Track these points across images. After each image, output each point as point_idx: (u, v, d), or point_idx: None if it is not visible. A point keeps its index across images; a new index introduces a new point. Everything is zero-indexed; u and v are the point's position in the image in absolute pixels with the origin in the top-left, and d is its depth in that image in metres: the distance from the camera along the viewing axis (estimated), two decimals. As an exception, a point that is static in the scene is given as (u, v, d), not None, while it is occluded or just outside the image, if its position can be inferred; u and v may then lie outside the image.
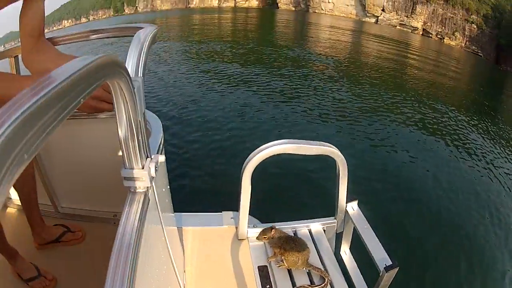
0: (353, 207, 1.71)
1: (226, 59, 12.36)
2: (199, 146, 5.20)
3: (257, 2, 63.30)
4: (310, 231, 1.80)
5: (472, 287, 3.08)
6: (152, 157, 0.90)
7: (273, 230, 1.64)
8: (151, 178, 0.88)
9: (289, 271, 1.54)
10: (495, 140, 7.33)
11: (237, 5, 63.11)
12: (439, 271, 3.15)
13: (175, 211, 1.60)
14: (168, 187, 1.36)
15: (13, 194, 1.75)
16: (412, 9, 67.03)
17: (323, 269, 1.55)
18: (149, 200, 0.87)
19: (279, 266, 1.55)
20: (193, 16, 43.74)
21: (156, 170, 0.89)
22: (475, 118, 8.81)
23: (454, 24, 74.85)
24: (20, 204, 1.62)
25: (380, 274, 1.32)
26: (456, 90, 13.88)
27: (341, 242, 1.81)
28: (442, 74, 16.75)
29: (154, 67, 10.48)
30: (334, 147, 1.53)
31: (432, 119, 7.66)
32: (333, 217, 1.79)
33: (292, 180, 4.42)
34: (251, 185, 1.58)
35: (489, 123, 8.70)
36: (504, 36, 66.40)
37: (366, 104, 7.94)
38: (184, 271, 1.57)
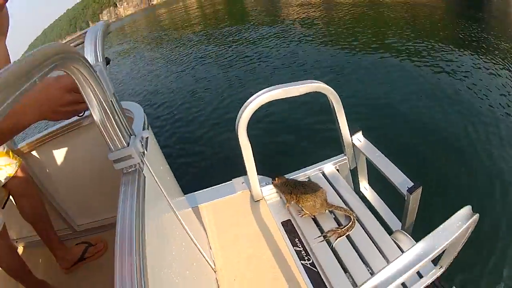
0: (359, 139, 1.66)
1: (202, 42, 12.21)
2: (190, 123, 5.33)
3: None
4: (323, 174, 1.74)
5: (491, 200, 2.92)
6: (136, 133, 0.88)
7: (276, 178, 1.61)
8: (141, 154, 0.86)
9: (314, 219, 1.49)
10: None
11: None
12: (459, 187, 3.01)
13: (186, 193, 1.56)
14: (168, 166, 1.31)
15: (30, 230, 1.73)
16: None
17: (346, 207, 1.49)
18: (144, 177, 0.84)
19: (301, 215, 1.50)
20: (159, 12, 43.12)
21: (142, 145, 0.88)
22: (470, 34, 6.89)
23: None
24: (38, 237, 1.63)
25: (406, 198, 1.27)
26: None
27: (358, 178, 1.77)
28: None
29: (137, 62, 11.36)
30: (322, 82, 1.46)
31: (419, 45, 6.85)
32: (342, 154, 1.73)
33: (291, 130, 4.36)
34: (251, 143, 1.52)
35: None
36: None
37: (346, 43, 7.53)
38: (210, 248, 1.55)
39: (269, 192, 1.69)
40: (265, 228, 1.60)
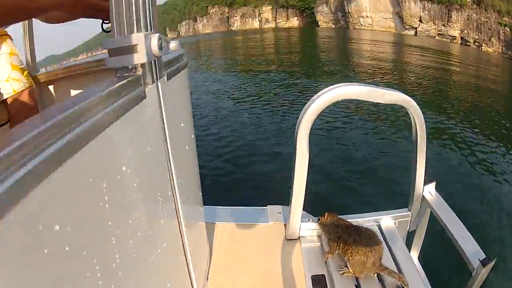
0: (431, 192, 1.42)
1: (271, 72, 13.27)
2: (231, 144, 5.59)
3: (297, 22, 65.23)
4: (380, 227, 1.49)
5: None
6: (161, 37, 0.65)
7: (326, 213, 1.35)
8: (154, 59, 0.65)
9: (357, 281, 1.20)
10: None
11: (278, 25, 65.30)
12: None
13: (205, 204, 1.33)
14: (195, 148, 1.11)
15: None
16: (448, 16, 67.44)
17: (400, 275, 1.19)
18: (144, 96, 0.63)
19: (342, 273, 1.20)
20: (235, 38, 45.90)
21: (161, 48, 0.64)
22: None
23: (489, 29, 74.21)
24: None
25: (475, 271, 1.09)
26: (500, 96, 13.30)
27: (413, 240, 1.53)
28: (484, 86, 15.75)
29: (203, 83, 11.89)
30: (409, 97, 1.25)
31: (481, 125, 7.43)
32: (406, 209, 1.51)
33: (351, 167, 4.19)
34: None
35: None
36: None
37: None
38: (207, 278, 1.26)
39: (309, 233, 1.44)
40: (288, 276, 1.27)
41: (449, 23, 69.18)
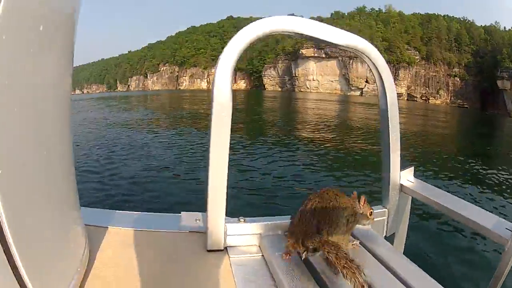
0: (409, 179, 1.39)
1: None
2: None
3: (244, 85, 66.83)
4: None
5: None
6: None
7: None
8: None
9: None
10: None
11: None
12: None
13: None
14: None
15: None
16: (395, 75, 69.75)
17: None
18: None
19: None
20: (182, 95, 47.25)
21: None
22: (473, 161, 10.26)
23: (438, 82, 77.64)
24: None
25: (509, 243, 1.01)
26: (449, 139, 15.82)
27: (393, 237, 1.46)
28: (433, 128, 19.47)
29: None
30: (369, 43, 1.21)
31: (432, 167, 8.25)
32: (380, 206, 1.43)
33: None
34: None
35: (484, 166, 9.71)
36: (487, 79, 68.86)
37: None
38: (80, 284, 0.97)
39: (241, 242, 1.23)
40: None
41: (395, 81, 71.34)
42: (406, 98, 70.31)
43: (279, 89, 65.34)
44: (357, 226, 1.28)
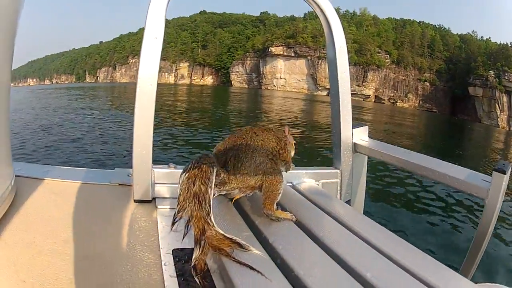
0: (362, 138, 1.35)
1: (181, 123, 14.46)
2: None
3: (211, 80, 66.61)
4: (296, 189, 1.30)
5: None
6: None
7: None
8: None
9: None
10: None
11: (192, 82, 65.89)
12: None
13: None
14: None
15: None
16: (363, 77, 70.79)
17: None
18: None
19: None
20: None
21: None
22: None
23: (407, 86, 79.25)
24: None
25: (489, 190, 1.06)
26: (418, 139, 15.90)
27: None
28: (400, 130, 18.97)
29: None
30: None
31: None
32: (332, 167, 1.42)
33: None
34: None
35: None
36: (458, 86, 70.85)
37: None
38: None
39: (171, 193, 1.25)
40: (130, 248, 1.01)
41: (364, 83, 72.47)
42: (373, 100, 71.43)
43: (246, 86, 65.40)
44: (309, 186, 1.27)
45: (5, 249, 0.94)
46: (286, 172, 1.19)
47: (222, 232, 0.90)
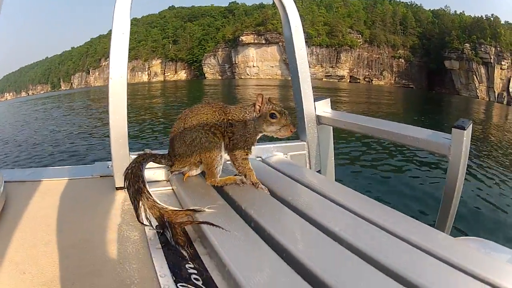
0: (325, 110, 1.34)
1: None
2: None
3: (185, 75, 66.47)
4: (266, 163, 1.38)
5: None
6: None
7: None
8: None
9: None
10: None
11: (166, 78, 65.60)
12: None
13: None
14: None
15: None
16: (336, 58, 71.27)
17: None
18: None
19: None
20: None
21: None
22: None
23: (381, 63, 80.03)
24: None
25: (450, 148, 1.10)
26: (397, 115, 15.97)
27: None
28: (377, 105, 19.40)
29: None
30: None
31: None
32: (299, 140, 1.46)
33: None
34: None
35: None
36: (434, 61, 71.73)
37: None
38: None
39: (151, 177, 1.32)
40: (116, 232, 1.08)
41: (337, 64, 72.96)
42: (348, 81, 71.95)
43: (219, 77, 65.42)
44: (278, 159, 1.34)
45: (2, 248, 1.01)
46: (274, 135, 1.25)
47: (174, 208, 1.03)
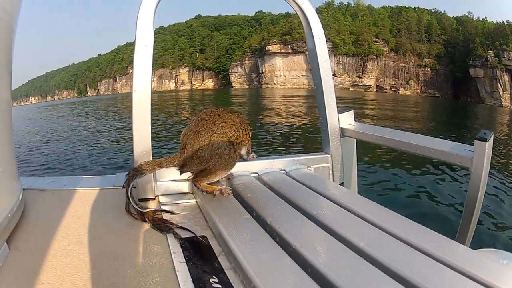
0: (348, 122, 1.40)
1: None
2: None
3: (212, 84, 66.97)
4: (290, 175, 1.37)
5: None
6: None
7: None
8: None
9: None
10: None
11: (193, 87, 66.24)
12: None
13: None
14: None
15: None
16: (363, 68, 70.38)
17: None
18: None
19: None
20: (152, 96, 47.45)
21: None
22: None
23: (407, 72, 78.68)
24: None
25: (473, 159, 1.12)
26: (423, 124, 16.36)
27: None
28: (404, 117, 19.31)
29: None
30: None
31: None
32: (322, 152, 1.49)
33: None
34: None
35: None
36: (459, 69, 70.23)
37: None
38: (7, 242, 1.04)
39: (174, 189, 1.35)
40: (141, 244, 1.06)
41: (364, 74, 71.97)
42: (375, 90, 70.85)
43: (247, 87, 65.51)
44: (302, 172, 1.34)
45: (21, 257, 0.99)
46: (246, 158, 1.33)
47: (146, 210, 1.17)
